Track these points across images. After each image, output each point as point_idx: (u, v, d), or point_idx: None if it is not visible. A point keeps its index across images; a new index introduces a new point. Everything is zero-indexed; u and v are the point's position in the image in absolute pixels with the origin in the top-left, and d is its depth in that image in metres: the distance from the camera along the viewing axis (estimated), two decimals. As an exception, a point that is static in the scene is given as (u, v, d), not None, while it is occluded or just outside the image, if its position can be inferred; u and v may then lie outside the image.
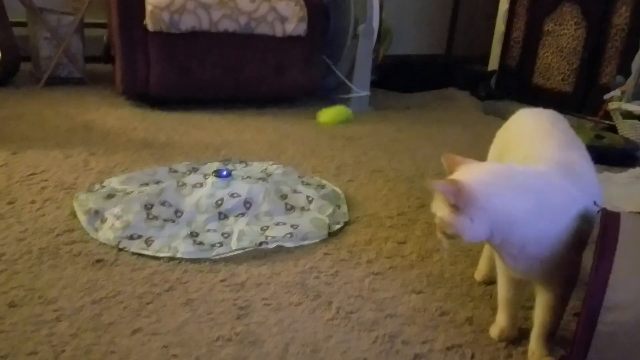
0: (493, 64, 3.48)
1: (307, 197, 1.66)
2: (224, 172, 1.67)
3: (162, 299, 1.18)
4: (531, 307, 1.24)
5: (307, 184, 1.78)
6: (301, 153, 2.18)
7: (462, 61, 4.10)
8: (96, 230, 1.42)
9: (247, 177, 1.72)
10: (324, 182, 1.85)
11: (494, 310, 1.22)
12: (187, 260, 1.34)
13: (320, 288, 1.27)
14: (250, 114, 2.69)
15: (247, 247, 1.40)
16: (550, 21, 2.98)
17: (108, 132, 2.24)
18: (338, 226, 1.57)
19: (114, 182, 1.68)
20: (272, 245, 1.42)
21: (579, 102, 2.90)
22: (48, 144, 2.05)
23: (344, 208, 1.68)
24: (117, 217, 1.45)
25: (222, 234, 1.45)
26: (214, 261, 1.35)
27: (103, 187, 1.65)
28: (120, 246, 1.36)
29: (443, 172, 2.19)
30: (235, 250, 1.39)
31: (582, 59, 2.87)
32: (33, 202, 1.58)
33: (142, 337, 1.06)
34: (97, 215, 1.47)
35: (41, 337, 1.04)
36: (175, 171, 1.81)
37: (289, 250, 1.43)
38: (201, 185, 1.62)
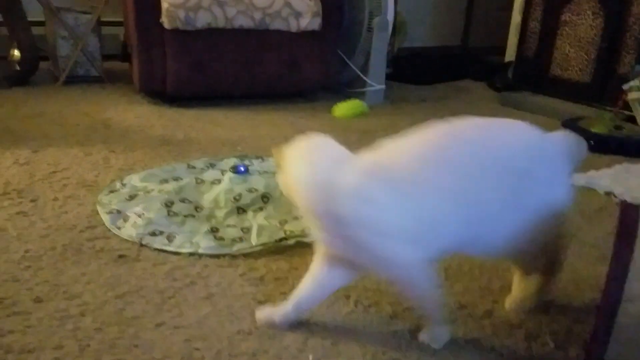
0: (510, 55, 3.44)
1: None
2: (241, 168, 1.69)
3: (184, 293, 1.20)
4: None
5: None
6: (317, 148, 2.18)
7: (478, 52, 4.07)
8: (119, 228, 1.44)
9: (264, 172, 1.73)
10: None
11: (512, 303, 1.22)
12: (207, 255, 1.36)
13: (339, 282, 1.28)
14: (265, 109, 2.71)
15: (267, 243, 1.41)
16: (567, 11, 2.94)
17: (127, 129, 2.27)
18: None
19: (134, 180, 1.70)
20: (291, 242, 1.44)
21: (598, 92, 2.86)
22: (68, 141, 2.08)
23: None
24: (139, 215, 1.47)
25: (242, 229, 1.47)
26: (233, 256, 1.37)
27: (124, 184, 1.68)
28: (143, 242, 1.38)
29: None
30: (255, 246, 1.40)
31: (600, 49, 2.82)
32: (55, 199, 1.61)
33: (164, 330, 1.08)
34: (119, 214, 1.49)
35: (66, 332, 1.06)
36: (194, 167, 1.83)
37: (307, 245, 1.44)
38: (219, 181, 1.64)
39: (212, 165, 1.84)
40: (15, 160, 1.87)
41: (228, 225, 1.49)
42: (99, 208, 1.54)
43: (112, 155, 1.96)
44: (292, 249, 1.41)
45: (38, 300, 1.15)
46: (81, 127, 2.26)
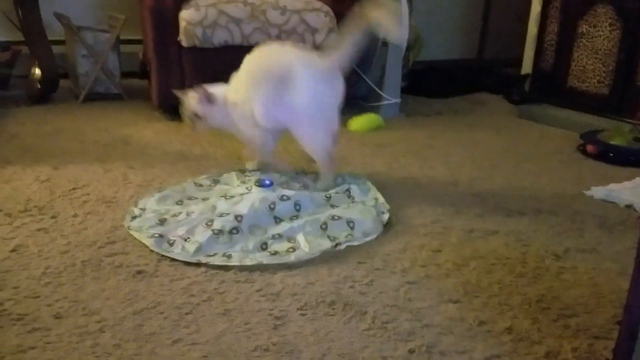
0: (526, 67, 3.43)
1: (349, 196, 1.77)
2: (267, 182, 1.72)
3: (201, 309, 1.21)
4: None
5: (336, 192, 1.80)
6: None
7: (494, 65, 4.05)
8: (168, 252, 1.44)
9: (287, 181, 1.76)
10: (347, 183, 1.87)
11: (533, 319, 1.21)
12: (224, 270, 1.37)
13: (355, 298, 1.27)
14: (282, 124, 2.71)
15: (324, 250, 1.48)
16: (584, 23, 2.92)
17: (145, 145, 2.30)
18: (385, 216, 1.66)
19: (150, 203, 1.70)
20: (343, 247, 1.50)
21: (616, 104, 2.82)
22: (88, 158, 2.11)
23: (380, 197, 1.78)
24: (185, 239, 1.48)
25: (289, 239, 1.51)
26: (250, 271, 1.37)
27: (143, 209, 1.67)
28: (202, 261, 1.40)
29: (478, 177, 2.18)
30: (314, 252, 1.45)
31: (618, 61, 2.80)
32: (75, 215, 1.63)
33: (182, 347, 1.08)
34: (162, 238, 1.49)
35: (86, 348, 1.07)
36: (201, 185, 1.84)
37: (323, 260, 1.44)
38: (248, 193, 1.67)
39: (215, 182, 1.86)
40: (36, 177, 1.91)
41: (273, 237, 1.51)
42: (134, 234, 1.52)
43: (131, 172, 1.98)
44: (308, 264, 1.41)
45: (58, 316, 1.16)
46: (100, 144, 2.29)
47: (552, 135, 2.69)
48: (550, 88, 3.14)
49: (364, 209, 1.67)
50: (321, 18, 2.67)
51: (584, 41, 2.93)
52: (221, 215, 1.56)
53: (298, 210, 1.64)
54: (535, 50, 3.24)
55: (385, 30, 1.69)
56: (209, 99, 1.84)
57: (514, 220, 1.71)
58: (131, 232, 1.53)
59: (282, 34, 2.63)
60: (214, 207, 1.62)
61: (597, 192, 1.94)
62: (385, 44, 2.86)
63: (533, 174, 2.14)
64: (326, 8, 2.71)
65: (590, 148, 2.41)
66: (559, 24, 3.06)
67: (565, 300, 1.29)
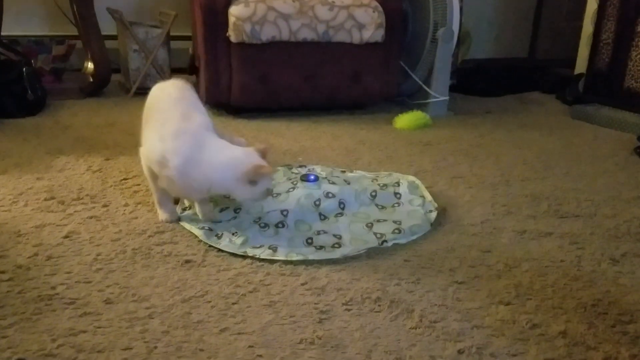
0: (580, 66, 3.32)
1: (395, 194, 1.73)
2: (312, 177, 1.71)
3: (247, 300, 1.21)
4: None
5: (384, 185, 1.77)
6: (377, 159, 2.16)
7: (546, 64, 3.94)
8: (216, 243, 1.45)
9: (332, 182, 1.73)
10: (395, 177, 1.85)
11: (589, 324, 1.16)
12: (269, 262, 1.36)
13: (402, 295, 1.25)
14: (326, 120, 2.71)
15: (371, 247, 1.45)
16: (644, 20, 2.81)
17: (192, 139, 2.32)
18: (433, 215, 1.62)
19: None
20: (390, 244, 1.47)
21: (677, 105, 2.71)
22: (138, 150, 2.15)
23: (428, 196, 1.74)
24: (233, 233, 1.48)
25: (334, 235, 1.50)
26: (294, 264, 1.36)
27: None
28: (250, 254, 1.40)
29: (530, 178, 2.12)
30: (359, 249, 1.43)
31: (681, 60, 2.68)
32: (126, 205, 1.66)
33: (228, 336, 1.09)
34: (211, 232, 1.50)
35: (135, 333, 1.08)
36: None
37: (368, 256, 1.42)
38: (294, 189, 1.66)
39: None
40: (88, 167, 1.96)
41: (319, 233, 1.50)
42: (185, 225, 1.54)
43: (178, 164, 2.01)
44: (353, 260, 1.40)
45: (108, 301, 1.18)
46: (150, 137, 2.33)
47: (606, 136, 2.59)
48: (605, 88, 3.03)
49: (411, 211, 1.64)
50: (369, 14, 2.65)
51: (644, 39, 2.82)
52: (267, 212, 1.57)
53: (342, 209, 1.63)
54: (590, 49, 3.13)
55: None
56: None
57: (568, 222, 1.65)
58: (181, 223, 1.55)
59: (329, 30, 2.62)
60: (260, 206, 1.62)
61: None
62: (434, 40, 2.81)
63: (588, 176, 2.07)
64: (374, 4, 2.69)
65: (648, 150, 2.31)
66: (616, 23, 2.95)
67: (622, 305, 1.24)
